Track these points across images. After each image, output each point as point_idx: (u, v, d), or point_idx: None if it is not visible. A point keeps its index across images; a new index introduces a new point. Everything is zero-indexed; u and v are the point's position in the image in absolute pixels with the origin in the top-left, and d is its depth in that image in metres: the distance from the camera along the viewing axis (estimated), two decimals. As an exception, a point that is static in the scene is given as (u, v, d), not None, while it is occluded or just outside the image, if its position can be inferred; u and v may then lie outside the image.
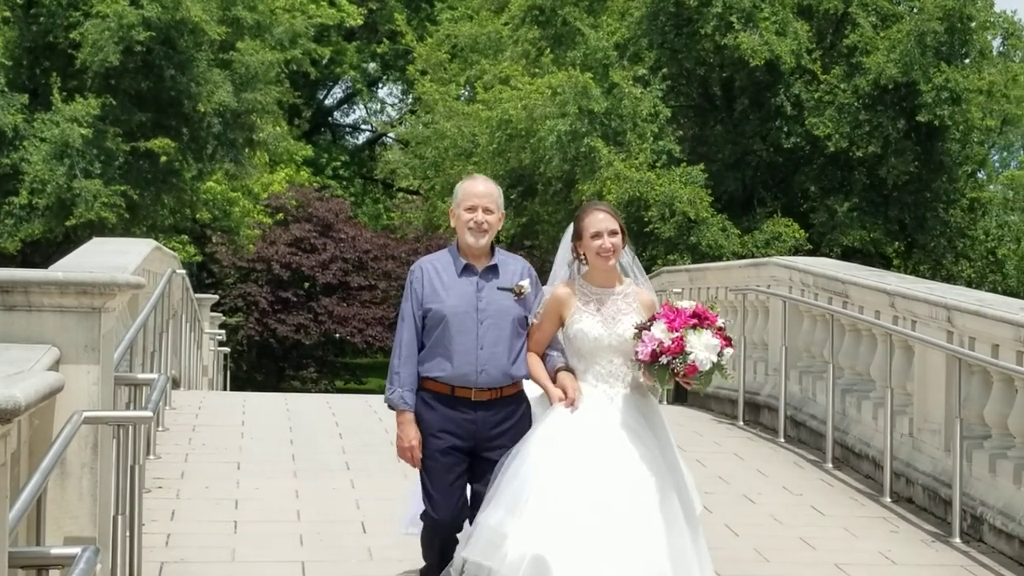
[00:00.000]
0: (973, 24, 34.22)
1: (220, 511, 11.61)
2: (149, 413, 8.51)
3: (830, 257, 23.19)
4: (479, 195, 7.89)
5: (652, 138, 33.18)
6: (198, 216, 36.44)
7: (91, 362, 7.39)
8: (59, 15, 32.93)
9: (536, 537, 7.11)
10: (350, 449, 14.42)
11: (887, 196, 34.53)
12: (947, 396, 12.01)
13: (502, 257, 8.06)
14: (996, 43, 37.60)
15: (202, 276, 36.67)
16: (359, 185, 49.36)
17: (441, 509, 7.72)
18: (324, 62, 43.73)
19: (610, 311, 7.74)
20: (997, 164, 41.35)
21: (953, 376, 11.88)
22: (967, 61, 34.20)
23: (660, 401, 9.05)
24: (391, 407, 7.97)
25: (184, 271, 20.33)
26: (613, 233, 7.83)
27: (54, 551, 6.11)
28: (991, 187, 39.53)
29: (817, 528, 11.80)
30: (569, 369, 7.78)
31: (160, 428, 14.08)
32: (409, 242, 40.53)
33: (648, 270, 26.10)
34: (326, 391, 31.84)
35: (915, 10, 34.09)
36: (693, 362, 7.17)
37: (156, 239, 19.05)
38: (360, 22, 43.71)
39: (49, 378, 5.69)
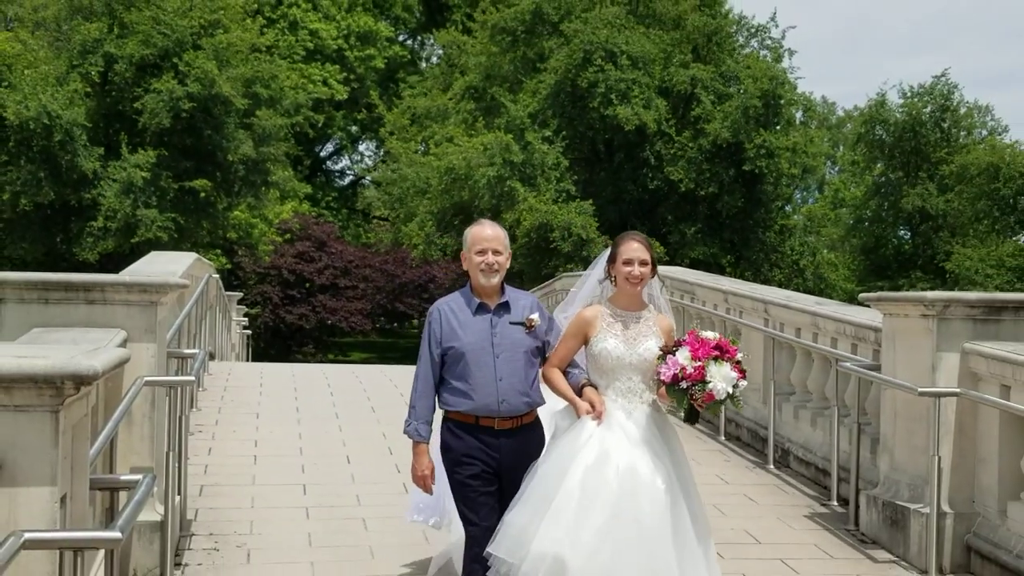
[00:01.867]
0: (783, 101, 34.62)
1: (244, 448, 11.63)
2: (192, 378, 8.90)
3: (682, 266, 23.29)
4: (488, 239, 6.63)
5: (555, 181, 33.50)
6: (228, 235, 36.58)
7: (150, 341, 7.47)
8: (126, 90, 33.15)
9: (559, 539, 5.92)
10: (339, 404, 14.42)
11: (722, 223, 34.88)
12: (764, 365, 12.10)
13: (512, 294, 6.71)
14: (799, 115, 37.99)
15: (231, 279, 36.45)
16: (345, 214, 49.24)
17: (481, 527, 6.29)
18: (319, 125, 43.64)
19: (633, 333, 6.50)
20: (800, 200, 41.74)
21: (768, 350, 12.03)
22: (778, 127, 34.58)
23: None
24: (409, 438, 6.56)
25: (218, 276, 20.34)
26: (644, 263, 6.56)
27: (123, 477, 6.36)
28: (795, 217, 39.86)
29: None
30: (592, 384, 6.48)
31: (201, 389, 14.04)
32: (381, 255, 40.49)
33: (552, 275, 26.44)
34: (321, 363, 31.76)
35: (742, 91, 34.35)
36: (711, 391, 6.14)
37: (197, 252, 18.95)
38: (345, 96, 43.75)
39: (119, 352, 5.67)
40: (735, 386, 6.15)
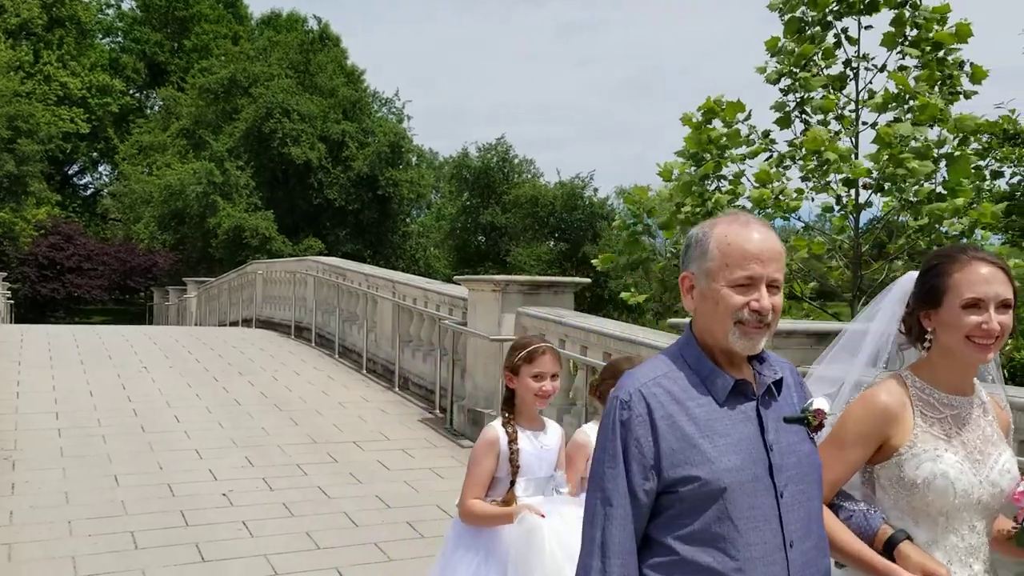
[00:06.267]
0: (404, 149, 35.00)
1: (8, 387, 10.45)
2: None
3: (337, 256, 23.08)
4: (759, 254, 1.89)
5: (246, 196, 32.29)
6: (-5, 231, 32.80)
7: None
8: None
9: None
10: (84, 354, 13.21)
11: (364, 229, 34.76)
12: (393, 323, 12.20)
13: (767, 355, 2.02)
14: (414, 159, 38.40)
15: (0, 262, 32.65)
16: (87, 216, 45.05)
17: None
18: (68, 151, 39.86)
19: (974, 439, 2.21)
20: (415, 215, 42.18)
21: (396, 313, 12.08)
22: (401, 167, 34.86)
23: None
24: None
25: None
26: (1004, 306, 2.16)
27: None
28: (412, 226, 40.25)
29: (333, 384, 11.71)
30: (907, 537, 2.15)
31: (-28, 345, 12.49)
32: (115, 246, 37.22)
33: (243, 262, 25.46)
34: (69, 324, 28.97)
35: (376, 140, 34.45)
36: None
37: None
38: (88, 131, 40.03)
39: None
40: None
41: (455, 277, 10.51)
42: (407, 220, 38.62)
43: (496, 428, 3.44)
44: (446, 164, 44.36)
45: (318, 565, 5.62)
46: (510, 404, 3.50)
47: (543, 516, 3.20)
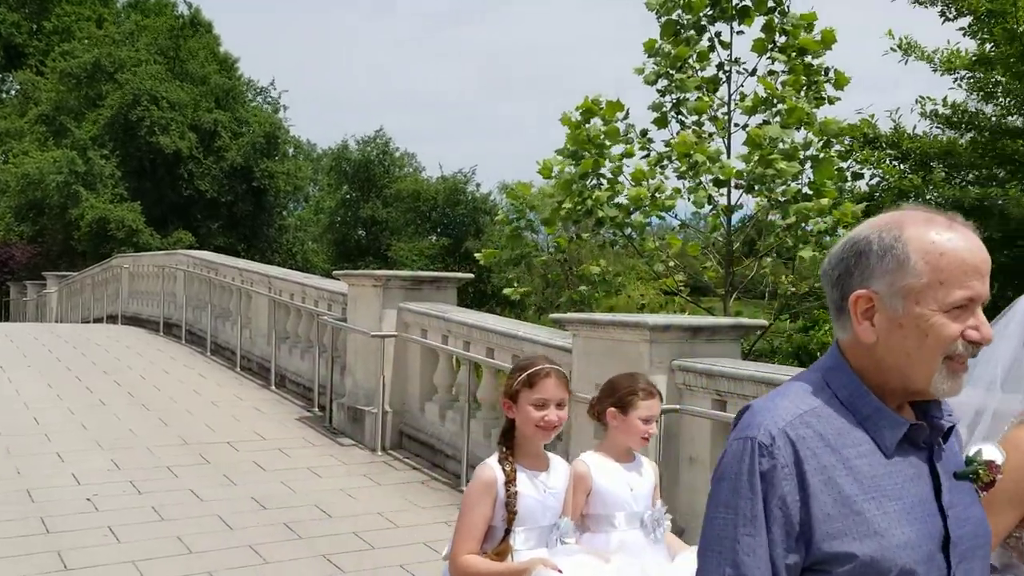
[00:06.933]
0: (280, 140, 34.27)
1: None
2: None
3: (209, 250, 22.37)
4: (980, 266, 1.44)
5: (111, 187, 30.96)
6: None
7: None
8: None
9: None
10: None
11: (238, 221, 33.81)
12: (269, 319, 11.99)
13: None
14: (291, 150, 37.60)
15: None
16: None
17: None
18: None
19: None
20: (293, 208, 41.27)
21: (272, 309, 11.89)
22: (277, 158, 34.08)
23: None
24: None
25: None
26: None
27: None
28: (290, 219, 39.26)
29: (206, 382, 11.41)
30: None
31: None
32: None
33: (109, 255, 24.39)
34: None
35: (251, 131, 33.61)
36: None
37: None
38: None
39: None
40: None
41: (334, 272, 10.42)
42: (284, 213, 37.82)
43: (492, 466, 2.88)
44: (324, 156, 43.66)
45: (189, 570, 5.46)
46: (508, 437, 2.93)
47: (560, 573, 2.71)
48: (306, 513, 6.67)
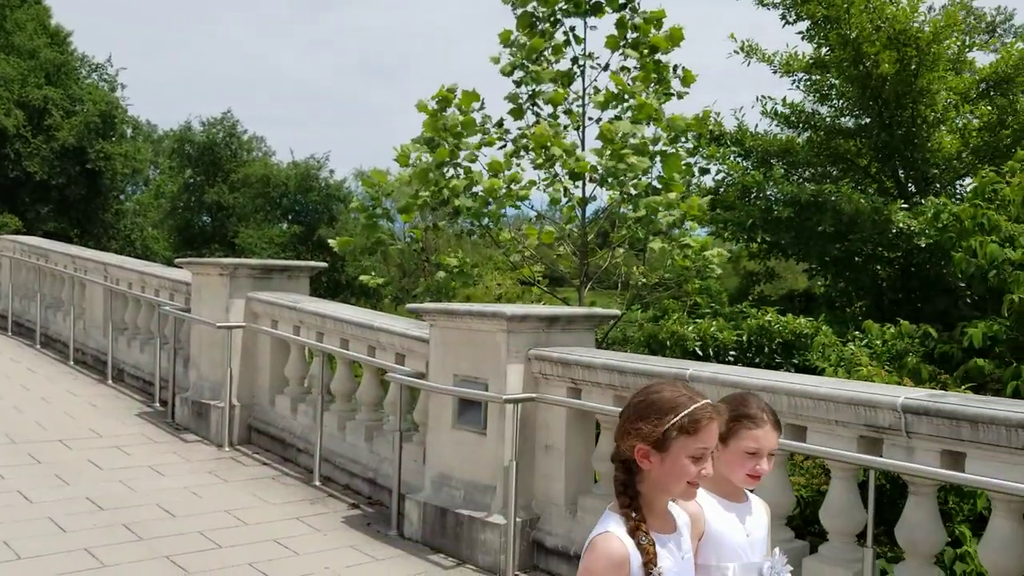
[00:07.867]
0: (117, 120, 32.67)
1: None
2: None
3: (38, 236, 21.03)
4: None
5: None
6: None
7: None
8: None
9: None
10: None
11: (70, 205, 31.79)
12: (104, 309, 11.43)
13: None
14: (129, 131, 35.79)
15: None
16: None
17: None
18: None
19: None
20: (131, 192, 39.31)
21: (108, 298, 11.35)
22: (114, 139, 32.43)
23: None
24: None
25: None
26: None
27: None
28: (127, 204, 37.35)
29: (35, 377, 10.76)
30: None
31: None
32: None
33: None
34: None
35: (85, 109, 31.72)
36: None
37: None
38: None
39: None
40: None
41: (177, 260, 10.06)
42: (121, 197, 36.01)
43: (621, 539, 2.13)
44: (167, 138, 41.84)
45: (18, 578, 5.14)
46: (632, 493, 2.18)
47: None
48: (147, 513, 6.40)
